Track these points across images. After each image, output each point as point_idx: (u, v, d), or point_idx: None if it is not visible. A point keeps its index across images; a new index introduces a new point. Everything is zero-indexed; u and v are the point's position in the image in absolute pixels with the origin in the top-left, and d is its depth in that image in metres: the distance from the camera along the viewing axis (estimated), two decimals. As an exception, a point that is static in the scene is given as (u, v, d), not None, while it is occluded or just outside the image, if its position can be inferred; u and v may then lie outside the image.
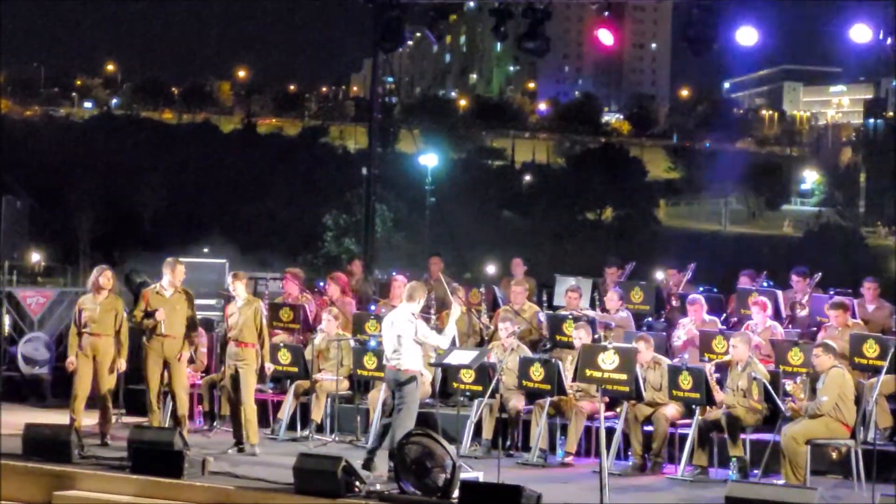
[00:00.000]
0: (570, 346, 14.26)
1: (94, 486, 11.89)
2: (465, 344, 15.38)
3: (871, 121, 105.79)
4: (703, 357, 13.93)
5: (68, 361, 13.81)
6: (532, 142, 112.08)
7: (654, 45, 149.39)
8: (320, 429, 14.59)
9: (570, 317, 14.86)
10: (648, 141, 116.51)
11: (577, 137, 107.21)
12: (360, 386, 15.07)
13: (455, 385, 13.98)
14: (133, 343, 14.15)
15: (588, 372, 12.32)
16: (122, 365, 13.78)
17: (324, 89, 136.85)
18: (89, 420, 13.86)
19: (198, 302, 14.79)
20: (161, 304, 13.68)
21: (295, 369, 14.68)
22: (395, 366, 12.06)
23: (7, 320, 18.32)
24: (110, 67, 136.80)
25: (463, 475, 11.06)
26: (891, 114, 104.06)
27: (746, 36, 17.25)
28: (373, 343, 14.48)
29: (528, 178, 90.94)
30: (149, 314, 13.66)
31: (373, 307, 16.31)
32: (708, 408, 12.92)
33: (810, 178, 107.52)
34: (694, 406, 12.91)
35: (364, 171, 21.46)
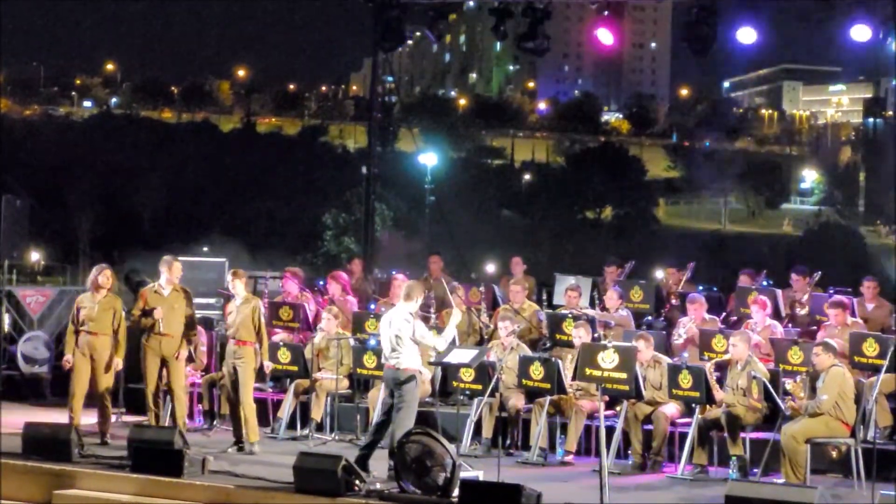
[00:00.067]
0: (569, 344, 14.27)
1: (94, 485, 11.89)
2: (465, 343, 15.38)
3: (871, 120, 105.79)
4: (703, 356, 13.93)
5: (65, 360, 13.82)
6: (532, 141, 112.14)
7: (653, 45, 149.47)
8: (320, 428, 14.60)
9: (570, 316, 14.86)
10: (648, 140, 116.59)
11: (577, 137, 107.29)
12: (360, 385, 15.07)
13: (455, 384, 13.98)
14: (133, 342, 14.15)
15: (588, 371, 12.32)
16: (119, 364, 13.78)
17: (323, 89, 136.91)
18: (89, 419, 13.86)
19: (197, 301, 14.81)
20: (159, 302, 13.69)
21: (295, 368, 14.67)
22: (394, 365, 12.05)
23: (7, 319, 18.31)
24: (110, 67, 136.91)
25: (463, 474, 11.06)
26: (890, 113, 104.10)
27: (746, 36, 17.25)
28: (372, 342, 14.48)
29: (527, 177, 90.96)
30: (146, 313, 13.67)
31: (372, 306, 16.31)
32: (708, 407, 12.93)
33: (810, 177, 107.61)
34: (694, 405, 12.91)
35: (364, 170, 21.47)
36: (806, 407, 12.17)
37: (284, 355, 14.66)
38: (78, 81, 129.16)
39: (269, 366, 14.05)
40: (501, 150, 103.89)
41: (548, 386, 13.49)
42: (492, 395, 13.67)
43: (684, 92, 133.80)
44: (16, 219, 18.69)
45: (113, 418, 14.24)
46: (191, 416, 15.04)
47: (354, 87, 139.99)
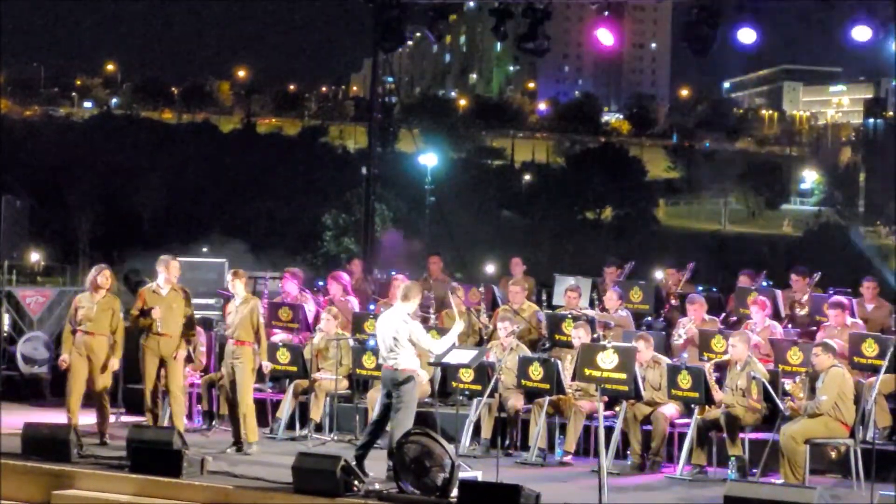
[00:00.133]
0: (569, 345, 14.26)
1: (93, 486, 11.89)
2: (465, 343, 15.37)
3: (871, 120, 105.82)
4: (703, 356, 13.93)
5: (61, 359, 13.83)
6: (532, 141, 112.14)
7: (653, 45, 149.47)
8: (319, 428, 14.59)
9: (570, 316, 14.86)
10: (648, 141, 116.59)
11: (577, 137, 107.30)
12: (359, 385, 15.07)
13: (454, 384, 13.97)
14: (132, 342, 14.15)
15: (587, 371, 12.31)
16: (116, 364, 13.78)
17: (324, 89, 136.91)
18: (88, 419, 13.86)
19: (197, 301, 14.80)
20: (157, 302, 13.69)
21: (294, 368, 14.67)
22: (392, 366, 12.03)
23: (6, 320, 18.31)
24: (110, 67, 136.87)
25: (462, 474, 11.06)
26: (890, 113, 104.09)
27: (746, 36, 17.25)
28: (372, 342, 14.45)
29: (527, 177, 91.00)
30: (144, 313, 13.67)
31: (372, 307, 16.31)
32: (707, 407, 12.92)
33: (810, 177, 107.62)
34: (693, 405, 12.91)
35: (364, 170, 21.46)
36: (805, 407, 12.16)
37: (284, 356, 14.66)
38: (78, 82, 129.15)
39: (267, 366, 14.05)
40: (501, 151, 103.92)
41: (547, 386, 13.49)
42: (491, 395, 13.67)
43: (684, 92, 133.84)
44: (16, 219, 18.69)
45: (112, 418, 14.24)
46: (190, 416, 15.04)
47: (354, 88, 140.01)
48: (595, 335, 14.11)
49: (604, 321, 15.10)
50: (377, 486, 11.31)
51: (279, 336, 15.50)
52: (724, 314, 15.61)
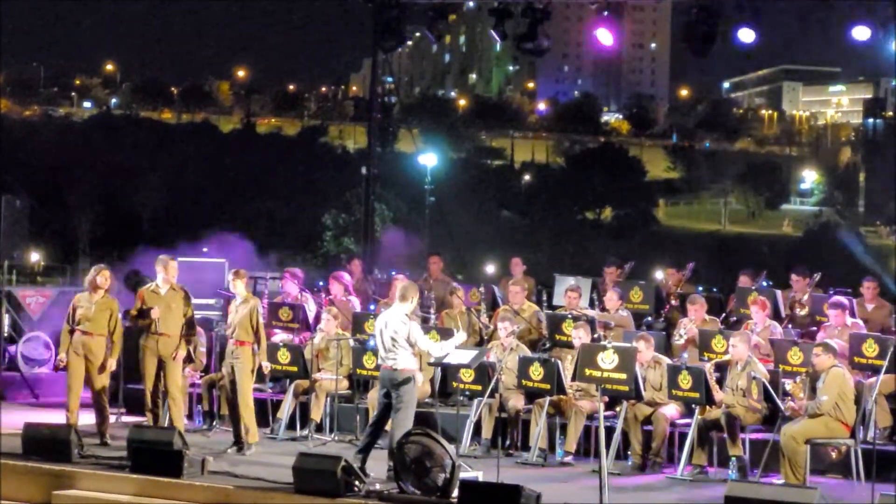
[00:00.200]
0: (569, 345, 14.27)
1: (94, 486, 11.89)
2: (465, 344, 15.35)
3: (871, 120, 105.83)
4: (703, 356, 13.93)
5: (58, 359, 13.84)
6: (531, 141, 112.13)
7: (653, 45, 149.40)
8: (320, 428, 14.59)
9: (570, 316, 14.86)
10: (648, 141, 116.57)
11: (577, 137, 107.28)
12: (360, 385, 15.06)
13: (454, 384, 13.98)
14: (132, 342, 14.15)
15: (587, 371, 12.32)
16: (113, 365, 13.78)
17: (323, 89, 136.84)
18: (88, 419, 13.86)
19: (197, 301, 14.79)
20: (156, 302, 13.69)
21: (294, 369, 14.66)
22: (391, 366, 12.03)
23: (6, 320, 18.31)
24: (109, 67, 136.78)
25: (462, 475, 11.06)
26: (890, 113, 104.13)
27: (746, 36, 17.25)
28: (372, 342, 14.43)
29: (527, 177, 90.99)
30: (143, 313, 13.67)
31: (373, 307, 16.30)
32: (707, 407, 12.92)
33: (810, 177, 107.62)
34: (693, 405, 12.91)
35: (363, 170, 21.45)
36: (806, 408, 12.17)
37: (284, 356, 14.66)
38: (78, 82, 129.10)
39: (267, 366, 14.04)
40: (501, 151, 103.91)
41: (547, 386, 13.48)
42: (491, 395, 13.67)
43: (684, 92, 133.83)
44: (16, 219, 18.68)
45: (112, 419, 14.25)
46: (190, 416, 15.04)
47: (354, 88, 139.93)
48: (595, 335, 14.11)
49: (604, 321, 15.10)
50: (378, 487, 11.32)
51: (279, 336, 15.50)
52: (724, 314, 15.61)
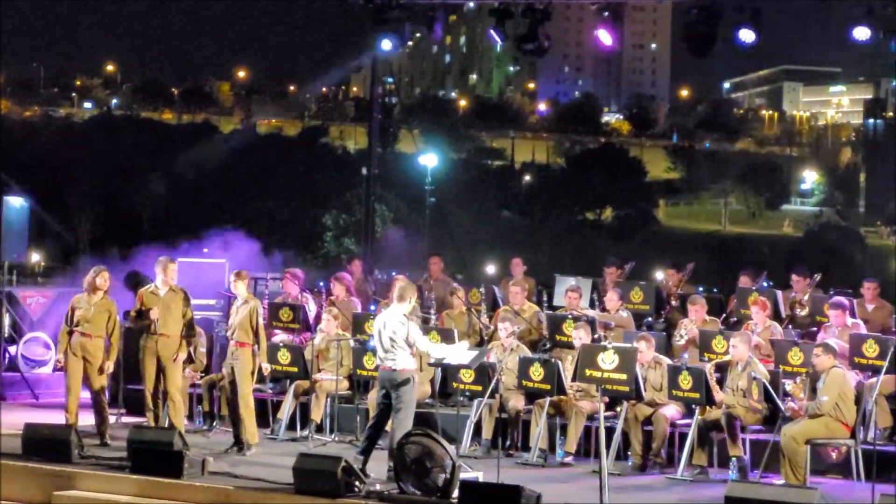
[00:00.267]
0: (569, 346, 14.27)
1: (94, 486, 11.89)
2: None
3: (871, 121, 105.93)
4: (703, 357, 13.93)
5: (55, 359, 13.84)
6: (532, 142, 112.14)
7: (653, 46, 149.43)
8: (320, 429, 14.59)
9: (570, 317, 14.86)
10: (648, 141, 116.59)
11: (577, 137, 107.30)
12: (360, 386, 15.06)
13: (455, 385, 13.98)
14: (132, 343, 14.15)
15: (588, 372, 12.32)
16: (110, 367, 13.77)
17: (324, 89, 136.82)
18: (88, 420, 13.87)
19: (198, 302, 14.79)
20: (155, 303, 13.70)
21: (294, 369, 14.66)
22: (390, 366, 12.03)
23: (7, 320, 18.31)
24: (110, 68, 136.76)
25: (462, 475, 11.05)
26: (890, 114, 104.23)
27: (746, 36, 17.25)
28: (372, 343, 14.45)
29: (527, 178, 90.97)
30: (142, 313, 13.68)
31: (373, 307, 16.30)
32: (708, 408, 12.92)
33: (810, 178, 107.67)
34: (694, 406, 12.91)
35: (364, 171, 21.47)
36: (806, 408, 12.17)
37: (284, 356, 14.66)
38: (78, 82, 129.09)
39: (267, 367, 14.03)
40: (501, 151, 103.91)
41: (548, 387, 13.48)
42: (492, 396, 13.67)
43: (684, 92, 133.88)
44: (16, 219, 18.69)
45: (112, 419, 14.24)
46: (190, 417, 15.04)
47: (354, 89, 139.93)
48: (595, 336, 14.10)
49: (604, 322, 15.10)
50: (378, 487, 11.31)
51: (280, 337, 15.50)
52: (724, 315, 15.61)
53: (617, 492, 11.51)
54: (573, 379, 13.28)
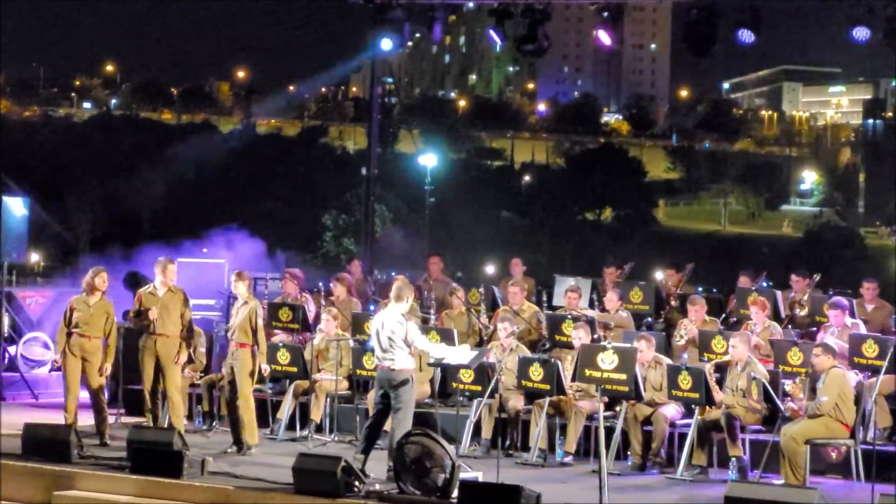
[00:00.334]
0: (569, 346, 14.27)
1: (94, 486, 11.89)
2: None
3: (871, 121, 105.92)
4: (703, 357, 13.93)
5: (53, 360, 13.84)
6: (531, 142, 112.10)
7: (653, 46, 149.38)
8: (319, 429, 14.59)
9: (570, 317, 14.86)
10: (648, 141, 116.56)
11: (577, 138, 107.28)
12: (360, 386, 15.06)
13: (454, 385, 13.98)
14: (132, 343, 14.15)
15: (587, 372, 12.33)
16: (108, 369, 13.77)
17: (323, 90, 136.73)
18: (87, 420, 13.87)
19: (197, 302, 14.79)
20: (154, 303, 13.70)
21: (294, 369, 14.66)
22: (388, 366, 12.03)
23: (6, 320, 18.31)
24: (109, 68, 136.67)
25: (462, 475, 11.06)
26: (890, 114, 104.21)
27: (746, 36, 17.26)
28: (371, 343, 14.45)
29: (527, 178, 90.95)
30: (140, 314, 13.68)
31: (373, 307, 16.30)
32: (707, 408, 12.92)
33: (809, 178, 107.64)
34: (693, 406, 12.91)
35: (363, 171, 21.46)
36: (806, 408, 12.17)
37: (284, 356, 14.66)
38: (77, 82, 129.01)
39: (266, 369, 14.02)
40: (501, 152, 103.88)
41: (547, 387, 13.48)
42: (491, 396, 13.67)
43: (684, 93, 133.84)
44: (16, 220, 18.69)
45: (112, 419, 14.25)
46: (190, 417, 15.04)
47: (354, 89, 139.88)
48: (595, 336, 14.10)
49: (604, 322, 15.10)
50: (378, 487, 11.32)
51: (279, 337, 15.50)
52: (724, 315, 15.62)
53: (616, 492, 11.52)
54: (573, 379, 13.29)
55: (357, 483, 11.17)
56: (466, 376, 13.82)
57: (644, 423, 13.11)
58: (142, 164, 71.06)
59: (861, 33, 16.62)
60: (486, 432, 13.90)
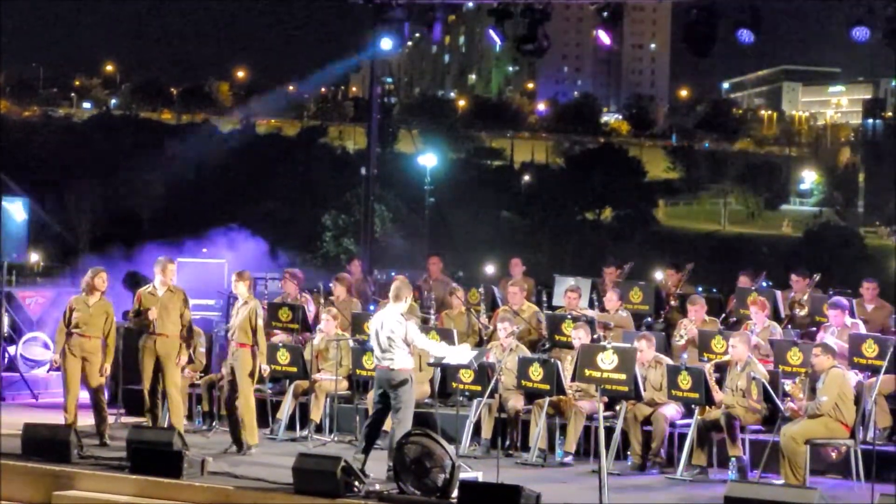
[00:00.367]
0: (569, 346, 14.26)
1: (94, 486, 11.89)
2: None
3: (870, 121, 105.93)
4: (703, 357, 13.93)
5: (52, 360, 13.83)
6: (531, 142, 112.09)
7: (653, 46, 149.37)
8: (319, 429, 14.59)
9: (570, 317, 14.86)
10: (647, 141, 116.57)
11: (576, 137, 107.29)
12: (359, 386, 15.06)
13: (454, 385, 13.97)
14: (131, 343, 14.15)
15: (587, 372, 12.33)
16: (108, 369, 13.77)
17: (323, 90, 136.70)
18: (87, 420, 13.87)
19: (198, 302, 14.78)
20: (153, 303, 13.70)
21: (294, 369, 14.66)
22: (388, 366, 12.03)
23: (6, 320, 18.30)
24: (109, 68, 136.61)
25: (462, 475, 11.06)
26: (889, 114, 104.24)
27: (746, 36, 17.26)
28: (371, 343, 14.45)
29: (526, 178, 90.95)
30: (140, 313, 13.68)
31: (372, 307, 16.30)
32: (707, 408, 12.92)
33: (809, 178, 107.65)
34: (693, 406, 12.91)
35: (363, 171, 21.46)
36: (805, 408, 12.17)
37: (283, 356, 14.65)
38: (77, 82, 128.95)
39: (266, 369, 14.02)
40: (501, 152, 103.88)
41: (547, 387, 13.48)
42: (491, 396, 13.66)
43: (684, 93, 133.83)
44: (15, 220, 18.69)
45: (112, 419, 14.24)
46: (190, 417, 15.04)
47: (354, 89, 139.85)
48: (595, 336, 14.10)
49: (604, 322, 15.10)
50: (377, 487, 11.32)
51: (279, 337, 15.49)
52: (724, 315, 15.62)
53: (616, 492, 11.52)
54: (572, 379, 13.29)
55: (357, 483, 11.17)
56: (466, 376, 13.82)
57: (644, 423, 13.11)
58: (142, 164, 71.06)
59: (861, 33, 16.62)
60: (486, 432, 13.90)
